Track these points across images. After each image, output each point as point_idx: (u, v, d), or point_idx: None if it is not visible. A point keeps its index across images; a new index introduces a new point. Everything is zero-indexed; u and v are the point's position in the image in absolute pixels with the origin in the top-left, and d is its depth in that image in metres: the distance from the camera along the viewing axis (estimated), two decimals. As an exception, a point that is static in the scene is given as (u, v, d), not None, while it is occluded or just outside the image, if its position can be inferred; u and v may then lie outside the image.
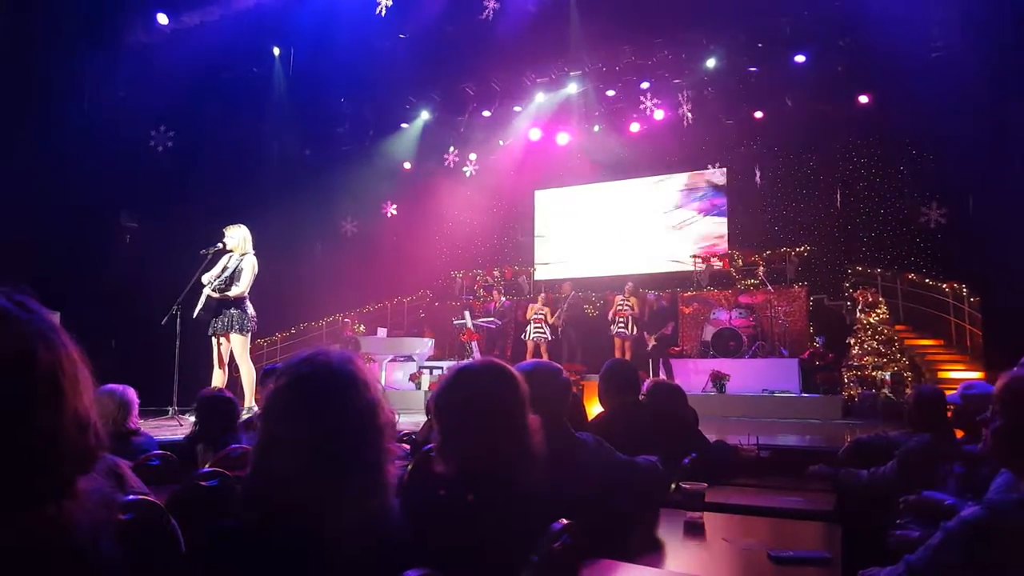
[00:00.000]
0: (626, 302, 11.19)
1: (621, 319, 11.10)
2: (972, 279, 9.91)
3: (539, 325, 11.66)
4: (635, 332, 11.11)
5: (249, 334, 6.64)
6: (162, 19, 9.19)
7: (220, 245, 6.68)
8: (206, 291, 6.54)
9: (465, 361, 1.93)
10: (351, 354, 1.34)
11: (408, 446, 3.19)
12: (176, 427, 5.96)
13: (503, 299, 12.45)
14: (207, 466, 2.51)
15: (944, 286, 10.34)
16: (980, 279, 9.78)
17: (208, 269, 6.66)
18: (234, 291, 6.48)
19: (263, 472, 1.27)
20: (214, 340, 6.57)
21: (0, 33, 8.43)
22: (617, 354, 10.65)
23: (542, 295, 12.23)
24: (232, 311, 6.50)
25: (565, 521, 1.53)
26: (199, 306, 6.56)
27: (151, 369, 7.03)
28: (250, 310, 6.60)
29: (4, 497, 0.74)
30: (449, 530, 1.48)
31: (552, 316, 11.81)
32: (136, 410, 3.49)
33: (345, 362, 1.30)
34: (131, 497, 1.51)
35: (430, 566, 1.21)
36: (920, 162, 11.71)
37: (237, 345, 6.53)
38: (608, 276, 13.21)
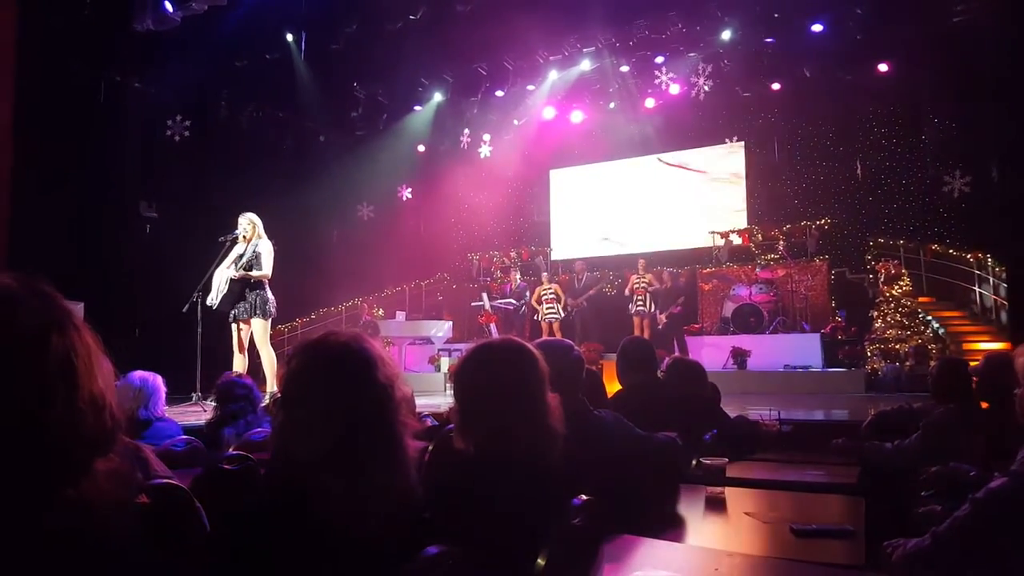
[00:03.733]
0: (641, 280, 11.14)
1: (639, 297, 11.06)
2: (997, 248, 9.72)
3: (551, 305, 11.65)
4: (654, 309, 11.08)
5: (270, 319, 6.70)
6: (168, 7, 9.18)
7: (237, 232, 6.72)
8: (226, 275, 6.57)
9: (485, 339, 1.94)
10: (361, 333, 1.34)
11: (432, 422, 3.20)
12: (200, 413, 6.05)
13: (519, 279, 12.46)
14: (232, 449, 2.55)
15: (968, 256, 10.17)
16: (1005, 248, 9.59)
17: (224, 258, 6.71)
18: (256, 273, 6.52)
19: (284, 454, 1.28)
20: (234, 326, 6.64)
21: (15, 29, 8.49)
22: (636, 332, 10.62)
23: (544, 274, 12.23)
24: (254, 296, 6.55)
25: (585, 497, 1.53)
26: (216, 295, 6.61)
27: (174, 356, 7.14)
28: (270, 295, 6.65)
29: (23, 478, 0.76)
30: (469, 507, 1.49)
31: (565, 295, 11.81)
32: (163, 397, 3.53)
33: (357, 340, 1.30)
34: (156, 481, 1.53)
35: (450, 543, 1.22)
36: (942, 130, 11.48)
37: (258, 330, 6.58)
38: (626, 255, 13.14)
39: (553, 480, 1.60)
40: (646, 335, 10.22)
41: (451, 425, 1.89)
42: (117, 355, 0.94)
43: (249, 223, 6.71)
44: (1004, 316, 9.35)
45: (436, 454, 2.01)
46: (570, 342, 2.34)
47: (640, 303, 11.06)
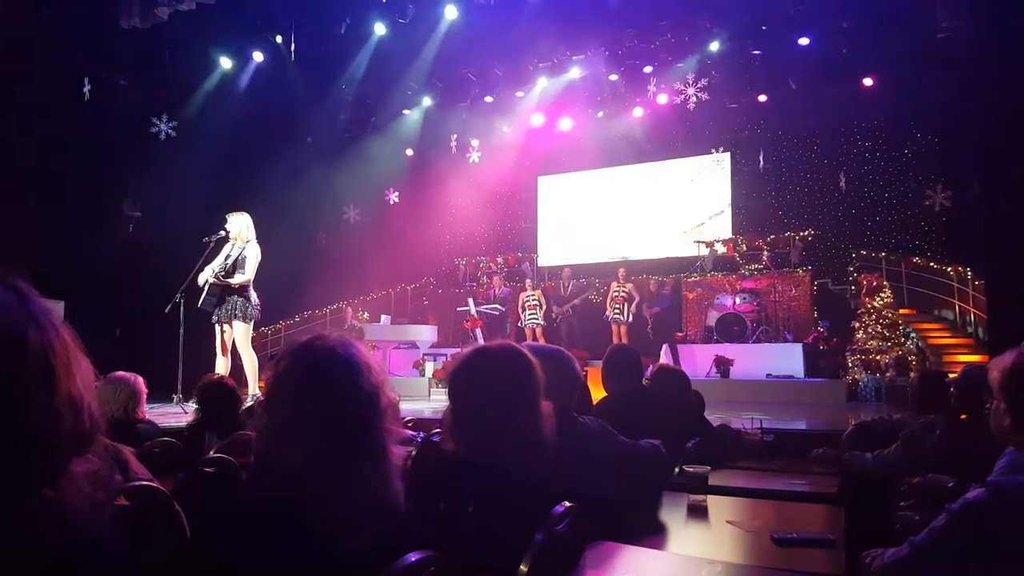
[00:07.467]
0: (621, 288, 11.22)
1: (617, 305, 11.14)
2: (977, 262, 9.85)
3: (533, 311, 11.71)
4: (631, 318, 11.16)
5: (252, 322, 6.65)
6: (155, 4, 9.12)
7: (223, 233, 6.68)
8: (208, 279, 6.53)
9: (483, 343, 1.93)
10: (350, 338, 1.33)
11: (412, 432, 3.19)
12: (181, 415, 5.99)
13: (503, 286, 12.47)
14: (213, 453, 2.52)
15: (949, 269, 10.30)
16: (985, 262, 9.71)
17: (212, 257, 6.66)
18: (238, 279, 6.49)
19: (268, 458, 1.27)
20: (217, 327, 6.59)
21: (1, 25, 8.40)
22: (615, 340, 10.66)
23: (528, 281, 12.29)
24: (235, 299, 6.51)
25: (568, 504, 1.53)
26: (202, 295, 6.57)
27: (155, 357, 7.06)
28: (254, 298, 6.61)
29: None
30: (452, 513, 1.49)
31: (548, 302, 11.87)
32: (144, 399, 3.50)
33: (345, 346, 1.29)
34: (135, 483, 1.52)
35: (434, 548, 1.21)
36: (925, 145, 11.64)
37: (239, 333, 6.54)
38: (611, 262, 13.18)
39: (538, 486, 1.60)
40: (624, 342, 10.26)
41: (436, 431, 1.88)
42: (98, 355, 0.93)
43: (241, 225, 6.66)
44: (982, 330, 9.47)
45: (420, 459, 2.00)
46: (568, 353, 2.33)
47: (617, 311, 11.14)
